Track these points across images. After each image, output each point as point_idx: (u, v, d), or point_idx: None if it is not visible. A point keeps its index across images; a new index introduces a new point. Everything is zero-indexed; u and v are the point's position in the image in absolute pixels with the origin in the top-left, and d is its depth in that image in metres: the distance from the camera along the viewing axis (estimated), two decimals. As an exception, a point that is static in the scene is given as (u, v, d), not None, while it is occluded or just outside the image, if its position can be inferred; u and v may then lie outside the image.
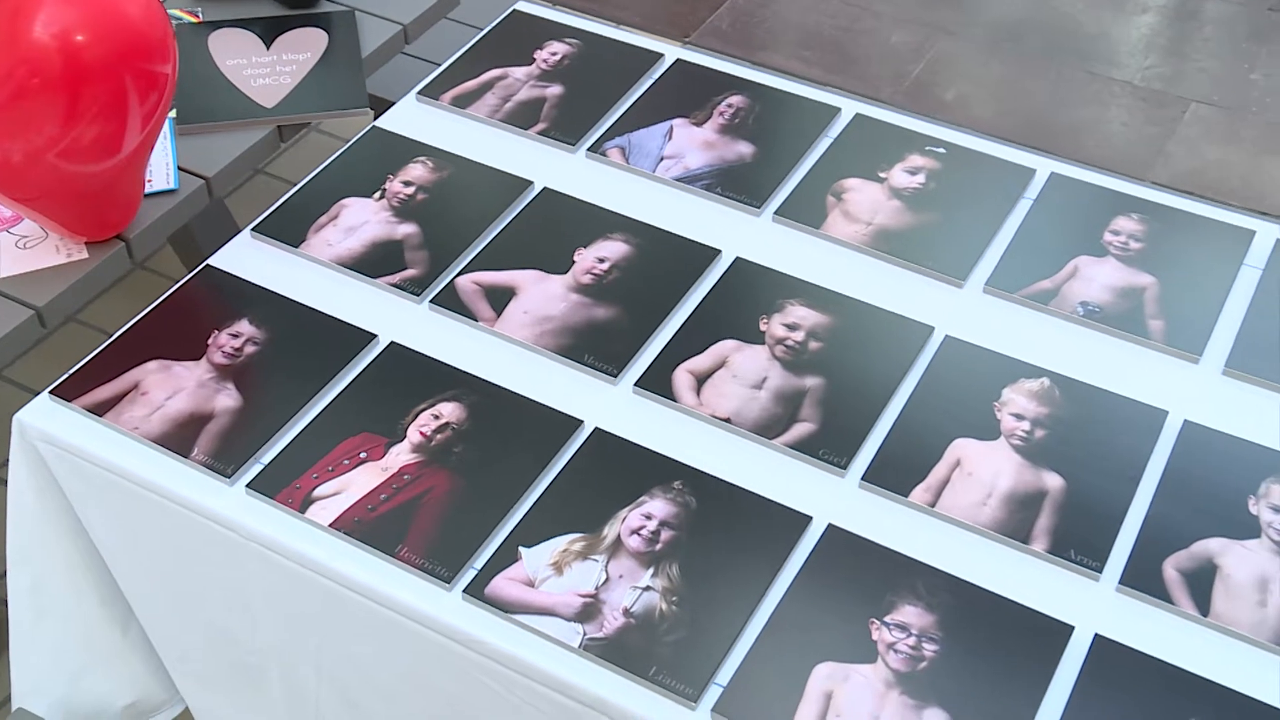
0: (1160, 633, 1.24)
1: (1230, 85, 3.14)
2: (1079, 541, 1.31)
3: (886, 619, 1.25)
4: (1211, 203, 1.64)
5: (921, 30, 3.34)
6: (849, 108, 1.80)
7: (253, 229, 1.66)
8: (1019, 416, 1.41)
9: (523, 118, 1.81)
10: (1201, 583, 1.27)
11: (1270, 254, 1.57)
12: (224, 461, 1.40)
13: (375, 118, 1.84)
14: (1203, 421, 1.41)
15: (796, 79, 1.92)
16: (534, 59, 1.90)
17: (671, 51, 1.91)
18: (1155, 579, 1.28)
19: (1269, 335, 1.48)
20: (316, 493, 1.37)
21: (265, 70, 1.95)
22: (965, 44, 3.31)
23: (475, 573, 1.30)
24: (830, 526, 1.33)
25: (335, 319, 1.54)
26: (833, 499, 1.36)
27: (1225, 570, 1.28)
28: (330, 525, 1.34)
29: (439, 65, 1.91)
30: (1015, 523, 1.33)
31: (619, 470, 1.38)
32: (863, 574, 1.29)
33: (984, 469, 1.37)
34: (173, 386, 1.47)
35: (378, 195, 1.69)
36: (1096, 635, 1.24)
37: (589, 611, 1.27)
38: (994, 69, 3.27)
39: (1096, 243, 1.60)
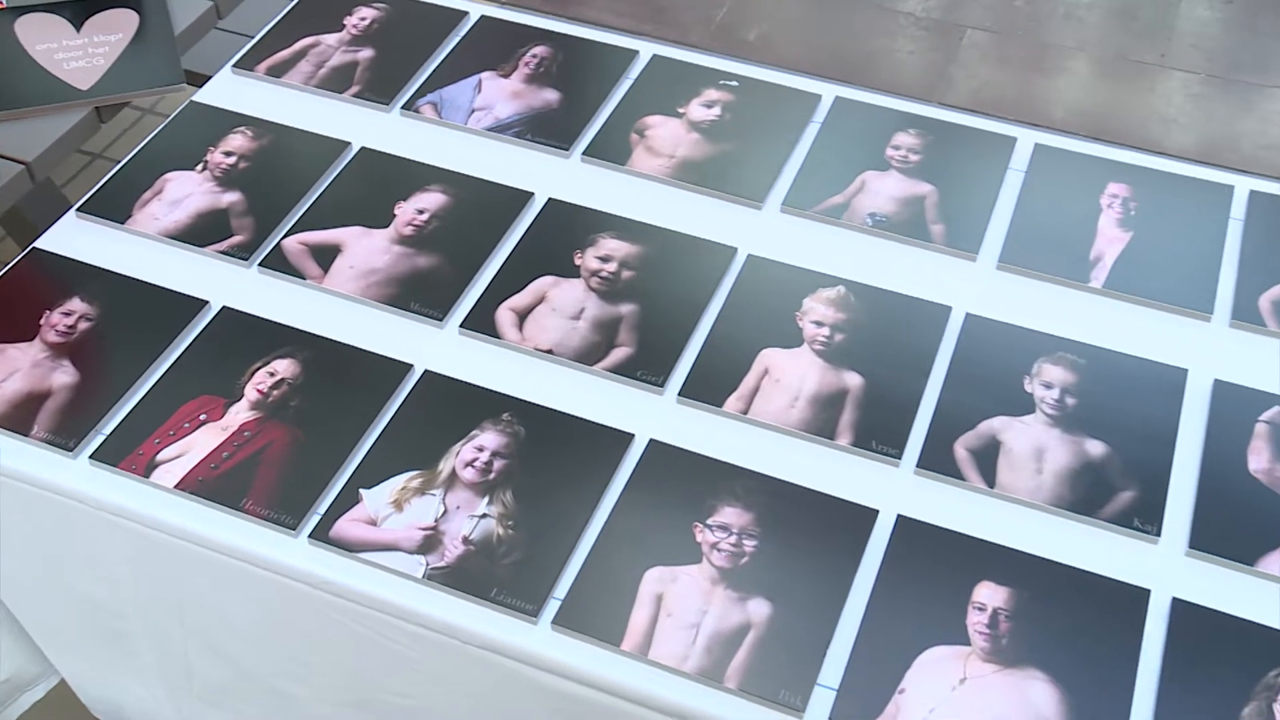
0: (955, 506, 1.28)
1: (999, 12, 3.20)
2: (879, 432, 1.34)
3: (709, 521, 1.27)
4: (981, 115, 1.67)
5: (722, -24, 3.34)
6: (646, 50, 1.80)
7: (78, 209, 1.61)
8: (819, 324, 1.44)
9: (336, 82, 1.77)
10: (987, 458, 1.32)
11: (1031, 157, 1.62)
12: (65, 436, 1.36)
13: (193, 93, 1.79)
14: (982, 313, 1.44)
15: (605, 29, 1.90)
16: (344, 25, 1.86)
17: (475, 9, 1.88)
18: (948, 459, 1.31)
19: (1035, 231, 1.53)
20: (159, 457, 1.34)
21: (77, 53, 1.88)
22: (762, -13, 3.32)
23: (319, 518, 1.28)
24: (652, 441, 1.34)
25: (166, 289, 1.50)
26: (653, 416, 1.37)
27: (1007, 445, 1.32)
28: (175, 487, 1.31)
29: (253, 38, 1.85)
30: (821, 421, 1.35)
31: (450, 408, 1.37)
32: (684, 483, 1.30)
33: (790, 375, 1.39)
34: (7, 369, 1.42)
35: (200, 167, 1.64)
36: (899, 516, 1.27)
37: (430, 543, 1.26)
38: (792, 9, 3.29)
39: (880, 158, 1.62)
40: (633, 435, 1.34)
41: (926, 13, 3.22)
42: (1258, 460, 1.31)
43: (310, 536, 1.27)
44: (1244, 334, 1.43)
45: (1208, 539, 1.25)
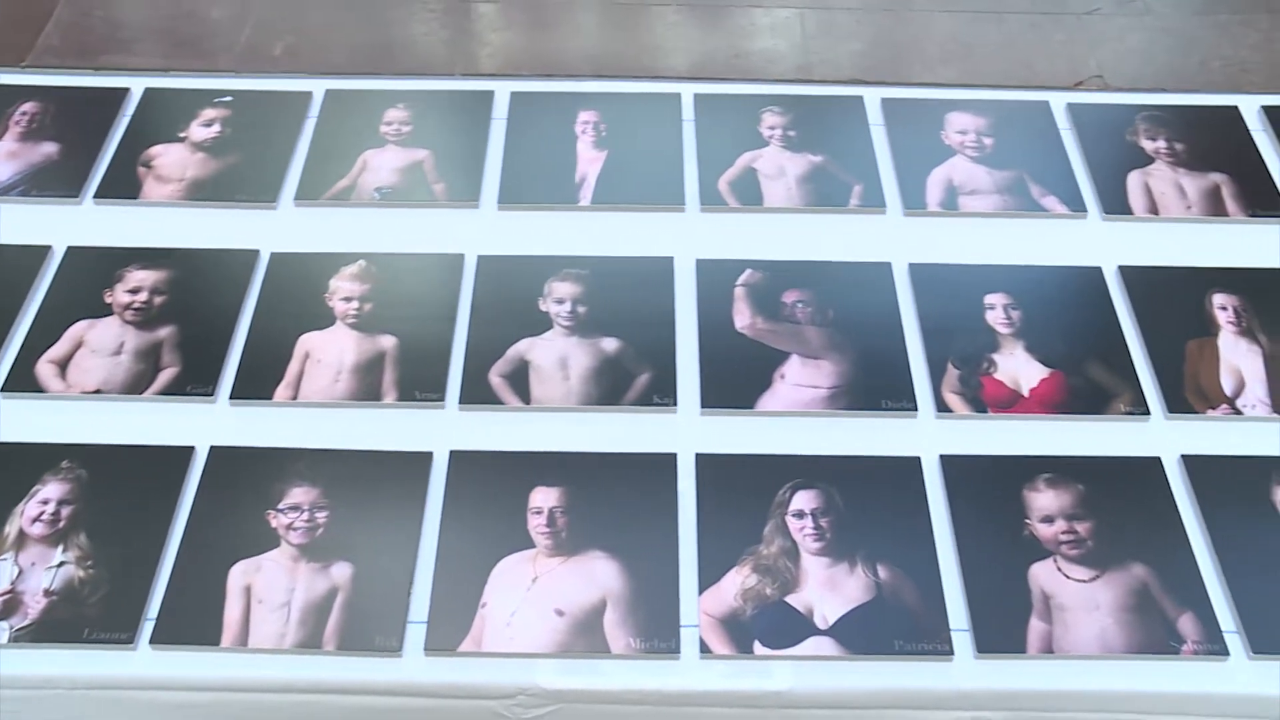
0: (501, 429, 1.29)
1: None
2: (420, 382, 1.33)
3: (280, 506, 1.23)
4: (463, 78, 1.67)
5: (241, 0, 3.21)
6: (138, 85, 1.70)
7: None
8: (347, 299, 1.41)
9: None
10: (520, 379, 1.33)
11: (509, 106, 1.63)
12: None
13: None
14: (492, 252, 1.45)
15: (128, 73, 1.78)
16: None
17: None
18: (484, 388, 1.32)
19: (525, 168, 1.55)
20: None
21: None
22: (279, 2, 3.21)
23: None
24: (212, 448, 1.28)
25: None
26: (211, 425, 1.31)
27: (535, 362, 1.35)
28: None
29: None
30: (366, 386, 1.33)
31: (5, 471, 1.26)
32: (251, 477, 1.26)
33: (329, 352, 1.36)
34: None
35: None
36: (451, 452, 1.27)
37: (10, 607, 1.17)
38: (315, 17, 3.20)
39: (376, 136, 1.60)
40: (193, 448, 1.28)
41: (434, -4, 3.20)
42: (741, 319, 1.38)
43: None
44: (713, 215, 1.50)
45: (714, 396, 1.31)
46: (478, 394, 1.32)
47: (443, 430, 1.29)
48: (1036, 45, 3.06)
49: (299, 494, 1.24)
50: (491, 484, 1.24)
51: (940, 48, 3.02)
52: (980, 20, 3.12)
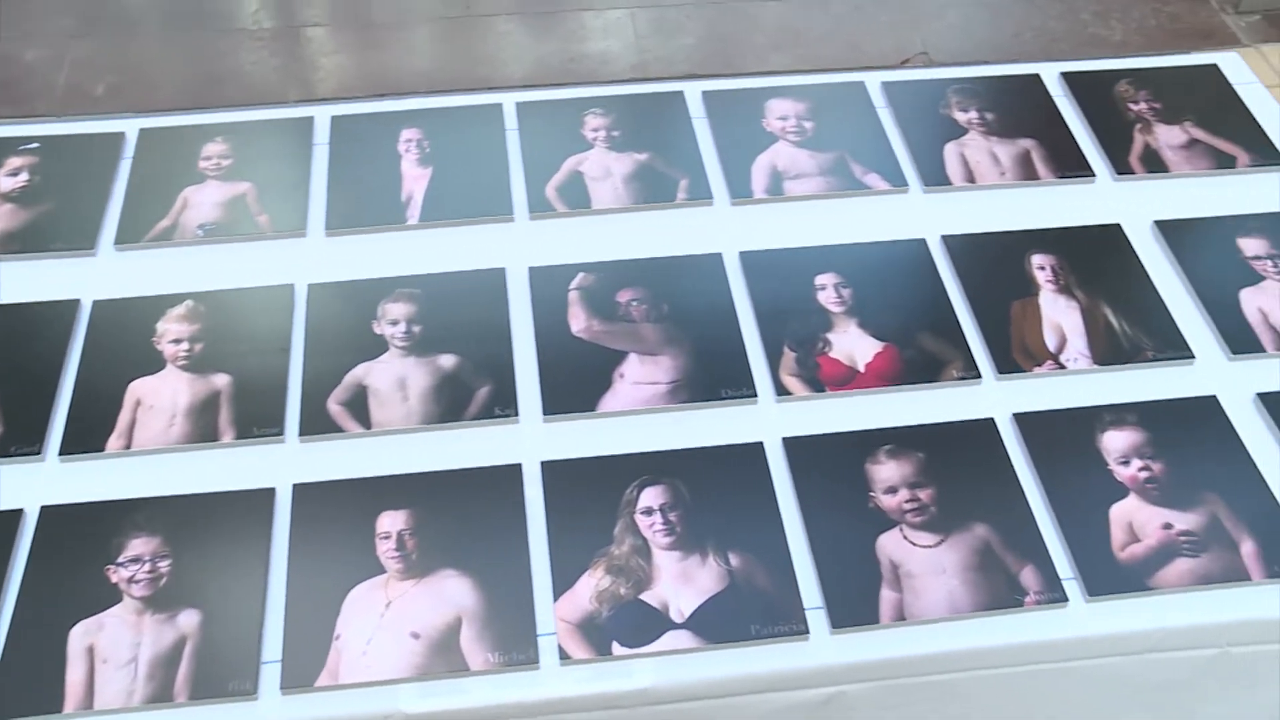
0: (344, 457, 1.28)
1: (324, 6, 3.19)
2: (258, 418, 1.31)
3: (119, 559, 1.20)
4: (281, 106, 1.65)
5: (56, 40, 3.11)
6: (-68, 139, 1.64)
7: None
8: (176, 340, 1.38)
9: None
10: (359, 405, 1.32)
11: (330, 129, 1.62)
12: None
13: None
14: (322, 279, 1.44)
15: None
16: None
17: None
18: (323, 418, 1.31)
19: (350, 192, 1.54)
20: None
21: None
22: (98, 40, 3.13)
23: None
24: (43, 509, 1.24)
25: None
26: (37, 485, 1.27)
27: (373, 387, 1.34)
28: None
29: None
30: (202, 428, 1.30)
31: None
32: (86, 534, 1.23)
33: (162, 397, 1.33)
34: None
35: None
36: (295, 485, 1.25)
37: None
38: (132, 54, 3.12)
39: (195, 172, 1.57)
40: (21, 510, 1.24)
41: (258, 24, 3.15)
42: (576, 323, 1.39)
43: None
44: (542, 222, 1.51)
45: (556, 402, 1.32)
46: (318, 424, 1.31)
47: (284, 464, 1.28)
48: (863, 27, 3.14)
49: (138, 545, 1.21)
50: (337, 514, 1.23)
51: (770, 37, 3.08)
52: (808, 6, 3.19)
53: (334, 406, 1.32)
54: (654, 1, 3.18)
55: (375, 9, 3.17)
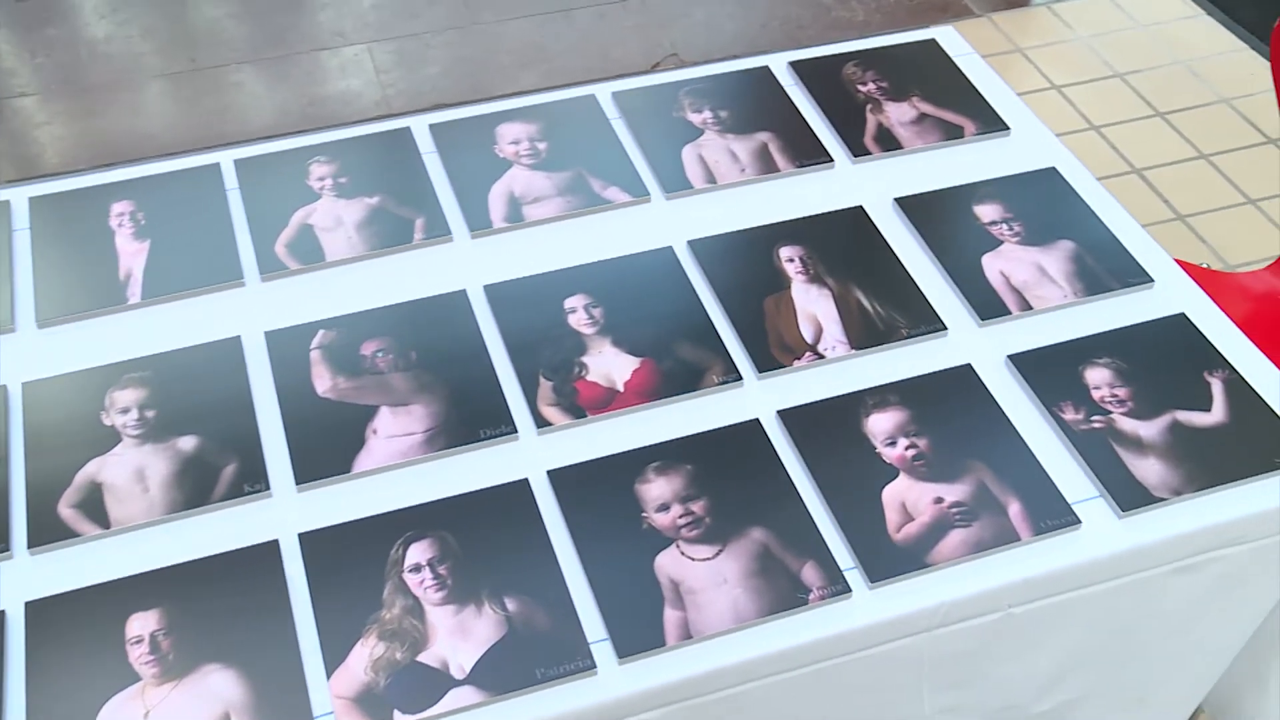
0: (84, 563, 1.22)
1: (29, 76, 3.05)
2: (-19, 537, 1.23)
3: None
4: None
5: None
6: None
7: None
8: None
9: None
10: (94, 504, 1.26)
11: (29, 211, 1.54)
12: None
13: None
14: (31, 378, 1.37)
15: None
16: None
17: None
18: (55, 526, 1.24)
19: (59, 279, 1.46)
20: None
21: None
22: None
23: None
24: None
25: None
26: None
27: (108, 483, 1.28)
28: None
29: None
30: None
31: None
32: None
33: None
34: None
35: None
36: (27, 604, 1.19)
37: None
38: None
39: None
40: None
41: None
42: (321, 383, 1.36)
43: None
44: (275, 282, 1.47)
45: (309, 469, 1.28)
46: (49, 533, 1.24)
47: (14, 582, 1.21)
48: (610, 35, 3.19)
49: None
50: (80, 626, 1.17)
51: (516, 55, 3.09)
52: (550, 21, 3.22)
53: (65, 510, 1.26)
54: (391, 34, 3.15)
55: (87, 72, 3.05)
